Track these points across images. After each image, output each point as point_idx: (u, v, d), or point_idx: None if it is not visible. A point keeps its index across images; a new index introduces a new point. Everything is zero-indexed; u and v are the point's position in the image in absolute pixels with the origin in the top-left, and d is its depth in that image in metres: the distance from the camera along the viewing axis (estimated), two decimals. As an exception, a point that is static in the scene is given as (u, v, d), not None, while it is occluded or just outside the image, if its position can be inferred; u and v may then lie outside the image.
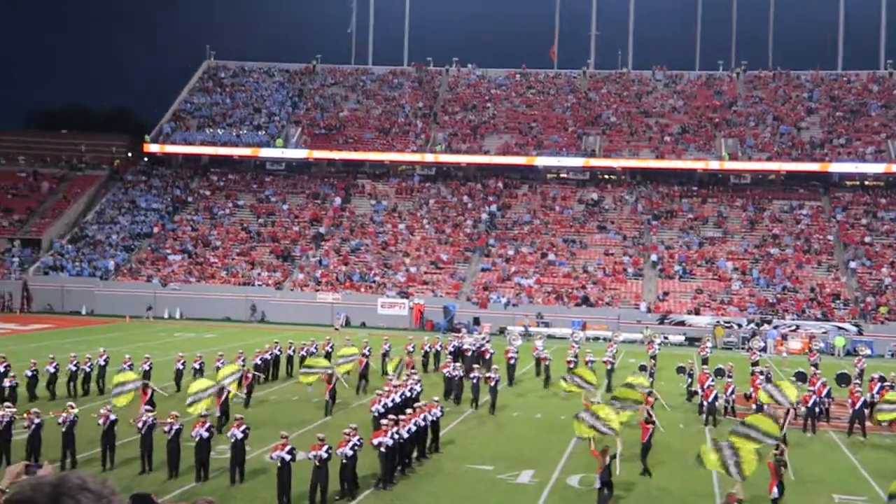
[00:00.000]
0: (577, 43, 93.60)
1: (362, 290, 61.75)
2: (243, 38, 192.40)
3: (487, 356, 36.59)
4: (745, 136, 73.41)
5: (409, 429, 21.15)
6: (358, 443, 19.47)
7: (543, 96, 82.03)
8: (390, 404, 23.82)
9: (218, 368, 29.79)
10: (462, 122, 78.38)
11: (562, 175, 75.33)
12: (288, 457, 18.65)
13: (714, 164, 70.91)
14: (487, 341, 39.82)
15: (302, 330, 53.70)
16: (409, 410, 22.51)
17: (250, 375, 30.12)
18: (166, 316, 60.81)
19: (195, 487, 20.29)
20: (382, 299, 60.24)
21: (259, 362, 33.14)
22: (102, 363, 31.97)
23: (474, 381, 29.91)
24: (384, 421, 20.79)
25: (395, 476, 20.67)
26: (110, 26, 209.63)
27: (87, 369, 31.11)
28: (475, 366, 32.21)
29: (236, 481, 20.39)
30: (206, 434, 20.55)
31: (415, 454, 22.38)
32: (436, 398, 25.53)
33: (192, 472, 20.95)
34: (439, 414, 23.76)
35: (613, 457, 19.34)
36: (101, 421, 21.63)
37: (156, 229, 70.00)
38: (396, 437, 20.38)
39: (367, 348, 35.32)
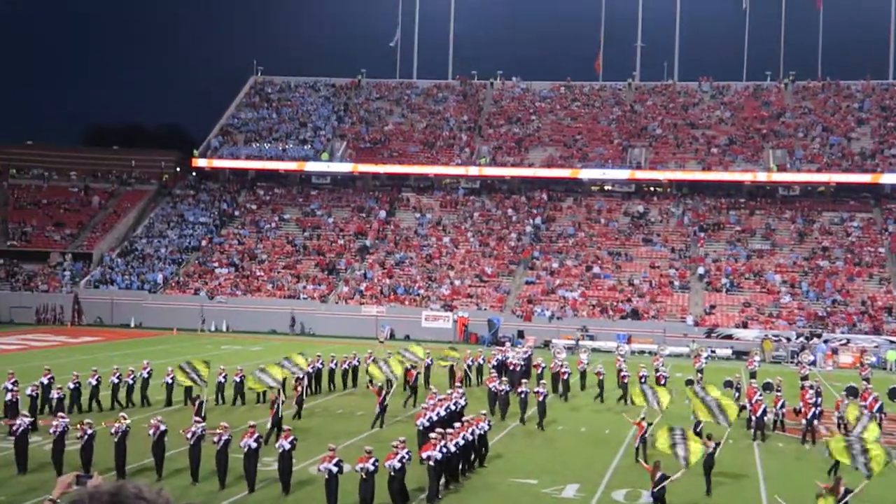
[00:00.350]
0: (623, 55, 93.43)
1: (406, 302, 61.85)
2: (289, 53, 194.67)
3: (539, 370, 36.50)
4: (793, 148, 72.48)
5: (458, 442, 21.02)
6: (407, 455, 19.39)
7: (588, 108, 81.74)
8: (435, 418, 23.75)
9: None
10: (506, 135, 78.35)
11: (607, 187, 74.93)
12: (335, 469, 18.71)
13: (762, 176, 70.07)
14: (529, 354, 39.77)
15: (346, 343, 53.93)
16: (456, 424, 22.34)
17: (299, 389, 30.39)
18: (213, 329, 61.39)
19: (244, 497, 20.50)
20: (426, 312, 60.27)
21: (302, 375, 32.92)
22: (146, 375, 32.17)
23: (522, 395, 29.49)
24: (433, 434, 20.67)
25: (441, 490, 20.55)
26: (161, 45, 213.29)
27: (130, 381, 31.29)
28: (524, 380, 31.63)
29: (283, 492, 20.56)
30: (254, 444, 20.75)
31: (462, 467, 22.26)
32: (483, 412, 25.39)
33: (240, 482, 21.18)
34: (487, 428, 23.59)
35: (666, 476, 19.00)
36: (151, 431, 21.92)
37: (203, 243, 70.80)
38: (445, 450, 20.28)
39: (430, 358, 36.15)
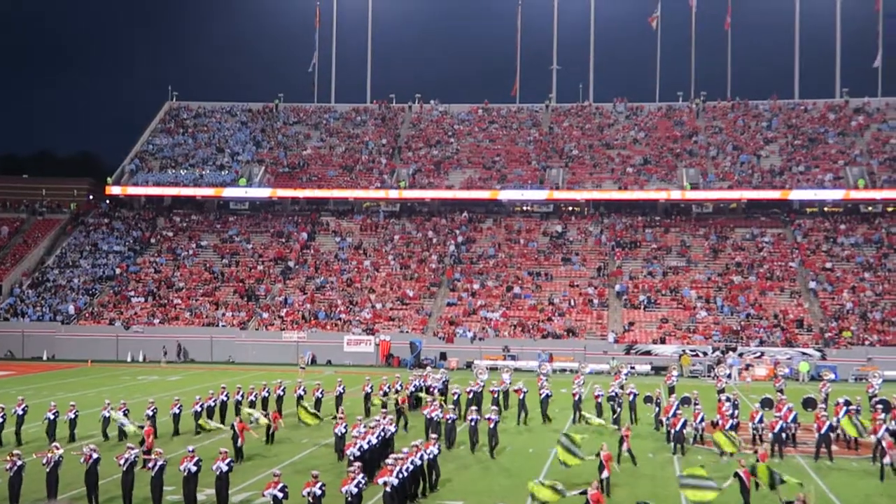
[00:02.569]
0: (539, 77, 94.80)
1: (328, 327, 61.37)
2: (205, 78, 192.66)
3: (455, 395, 35.96)
4: (706, 166, 74.22)
5: (407, 468, 20.73)
6: (363, 481, 19.31)
7: (506, 131, 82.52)
8: (366, 446, 23.34)
9: (176, 414, 30.17)
10: (426, 157, 78.60)
11: (526, 208, 75.64)
12: (280, 495, 18.81)
13: (676, 195, 71.52)
14: (446, 379, 38.88)
15: (268, 370, 53.25)
16: (405, 450, 21.73)
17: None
18: (129, 359, 60.02)
19: None
20: (348, 336, 59.92)
21: (199, 409, 31.10)
22: (21, 412, 30.34)
23: (472, 422, 28.49)
24: (388, 461, 20.49)
25: None
26: (73, 70, 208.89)
27: (20, 413, 30.10)
28: (473, 407, 30.05)
29: None
30: (193, 468, 20.94)
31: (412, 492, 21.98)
32: (434, 436, 24.93)
33: None
34: (436, 452, 23.37)
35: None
36: (82, 460, 21.69)
37: (118, 271, 69.27)
38: (402, 476, 20.12)
39: (342, 386, 35.41)
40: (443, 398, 35.22)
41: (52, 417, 29.55)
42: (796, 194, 70.30)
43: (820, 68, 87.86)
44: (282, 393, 35.44)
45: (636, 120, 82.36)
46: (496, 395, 35.68)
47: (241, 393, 34.20)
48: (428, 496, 22.72)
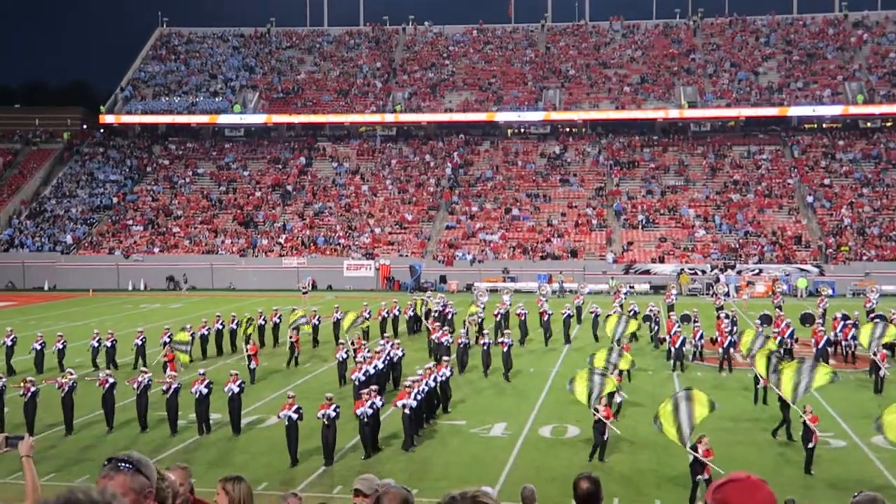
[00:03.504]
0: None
1: (327, 252, 61.51)
2: (195, 3, 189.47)
3: (450, 317, 36.29)
4: (703, 84, 73.60)
5: (423, 389, 20.95)
6: (380, 402, 19.70)
7: (502, 51, 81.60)
8: (372, 371, 23.46)
9: (167, 341, 30.13)
10: (421, 80, 77.85)
11: (523, 130, 75.23)
12: (295, 416, 19.10)
13: (674, 113, 71.07)
14: (445, 303, 38.75)
15: (269, 296, 53.56)
16: (420, 371, 21.96)
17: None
18: (130, 288, 60.30)
19: (198, 440, 21.34)
20: (348, 261, 60.08)
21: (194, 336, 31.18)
22: (10, 343, 30.84)
23: (484, 347, 28.50)
24: (406, 382, 20.70)
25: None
26: (61, 0, 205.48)
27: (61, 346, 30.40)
28: (484, 331, 30.12)
29: (233, 434, 21.58)
30: (205, 391, 21.55)
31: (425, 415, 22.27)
32: (446, 358, 25.16)
33: (190, 428, 22.07)
34: (448, 374, 23.60)
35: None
36: (98, 384, 22.39)
37: (115, 201, 69.17)
38: (420, 397, 20.34)
39: (339, 312, 35.39)
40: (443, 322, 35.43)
41: (60, 347, 29.96)
42: (794, 111, 69.89)
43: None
44: (278, 321, 35.38)
45: (633, 38, 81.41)
46: (498, 318, 35.94)
47: (235, 321, 34.04)
48: (441, 417, 23.04)
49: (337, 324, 34.96)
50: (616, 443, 19.87)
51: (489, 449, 20.38)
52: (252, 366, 27.88)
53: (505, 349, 27.72)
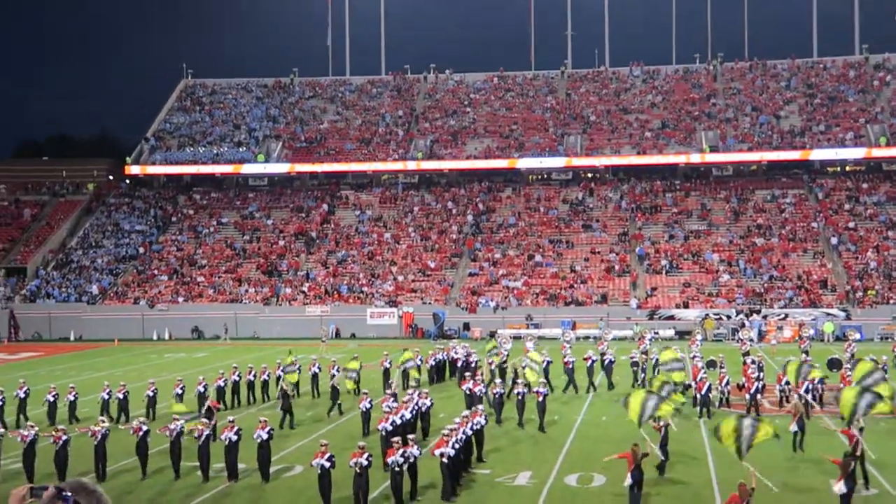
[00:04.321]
0: (554, 43, 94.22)
1: (351, 301, 61.62)
2: (219, 55, 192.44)
3: (473, 365, 35.85)
4: (724, 128, 73.66)
5: (460, 438, 20.78)
6: (417, 453, 19.61)
7: (523, 98, 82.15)
8: (399, 421, 23.16)
9: (179, 394, 30.12)
10: (442, 128, 78.42)
11: (544, 176, 75.45)
12: (328, 464, 19.16)
13: (695, 158, 71.08)
14: (468, 352, 37.84)
15: (293, 345, 53.54)
16: (456, 420, 21.76)
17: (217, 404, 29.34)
18: (155, 338, 60.56)
19: (229, 486, 21.63)
20: (371, 309, 60.14)
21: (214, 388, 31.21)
22: (23, 395, 30.64)
23: (519, 396, 27.82)
24: (444, 431, 20.50)
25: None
26: (89, 52, 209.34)
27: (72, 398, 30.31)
28: (519, 380, 29.39)
29: (262, 481, 21.72)
30: (234, 437, 21.82)
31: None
32: (480, 406, 24.99)
33: (221, 475, 22.24)
34: (484, 423, 23.46)
35: (645, 454, 19.18)
36: (132, 432, 22.77)
37: (141, 250, 69.78)
38: (457, 446, 20.20)
39: (336, 367, 34.73)
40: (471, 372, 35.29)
41: (105, 397, 29.92)
42: (817, 154, 69.71)
43: (838, 25, 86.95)
44: (297, 370, 33.92)
45: (653, 84, 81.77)
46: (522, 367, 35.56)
47: (252, 373, 33.39)
48: (476, 466, 22.83)
49: (387, 372, 34.65)
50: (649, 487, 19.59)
51: (514, 498, 20.20)
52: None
53: (540, 399, 27.14)
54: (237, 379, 32.78)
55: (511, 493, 20.60)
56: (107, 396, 30.12)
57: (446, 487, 19.86)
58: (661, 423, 21.77)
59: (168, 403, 30.54)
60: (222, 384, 31.94)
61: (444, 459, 19.64)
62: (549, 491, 20.68)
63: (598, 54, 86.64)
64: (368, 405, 26.59)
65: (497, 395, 28.40)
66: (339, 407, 30.36)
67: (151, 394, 30.05)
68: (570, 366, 34.83)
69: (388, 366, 35.08)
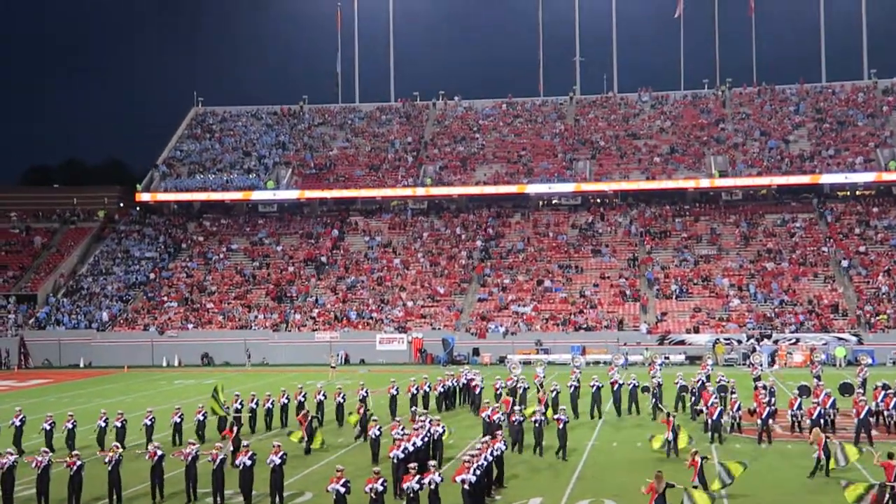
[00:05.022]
0: (563, 70, 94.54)
1: (360, 326, 61.56)
2: (230, 83, 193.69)
3: (478, 391, 35.74)
4: (734, 153, 73.64)
5: (481, 464, 20.51)
6: (439, 478, 19.29)
7: (531, 124, 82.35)
8: (411, 448, 22.83)
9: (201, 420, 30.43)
10: (451, 154, 78.61)
11: (553, 201, 75.50)
12: (343, 489, 19.21)
13: (705, 183, 71.04)
14: (473, 377, 37.52)
15: (302, 370, 53.54)
16: (478, 446, 21.67)
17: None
18: (164, 364, 60.55)
19: None
20: (380, 335, 60.08)
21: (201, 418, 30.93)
22: (19, 423, 29.99)
23: (536, 424, 27.33)
24: (464, 457, 20.28)
25: None
26: (100, 80, 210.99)
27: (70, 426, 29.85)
28: (538, 408, 28.82)
29: None
30: (248, 462, 21.91)
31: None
32: (499, 432, 24.77)
33: (234, 499, 22.31)
34: (503, 448, 23.26)
35: (670, 485, 18.87)
36: (147, 457, 22.78)
37: (151, 276, 69.94)
38: (479, 472, 19.93)
39: (364, 390, 34.61)
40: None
41: (102, 425, 29.48)
42: (827, 178, 69.61)
43: (847, 50, 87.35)
44: (303, 399, 33.71)
45: (662, 109, 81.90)
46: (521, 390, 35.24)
47: (255, 401, 32.79)
48: (496, 491, 22.61)
49: (364, 401, 33.17)
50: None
51: (525, 525, 20.02)
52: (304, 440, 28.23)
53: (560, 426, 26.62)
54: (239, 406, 32.22)
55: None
56: (103, 424, 29.52)
57: None
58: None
59: (167, 433, 30.36)
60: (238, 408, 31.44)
61: (466, 486, 19.48)
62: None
63: (607, 80, 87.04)
64: (378, 432, 26.38)
65: (516, 423, 27.72)
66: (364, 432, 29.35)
67: (149, 422, 29.61)
68: (617, 387, 34.57)
69: (395, 392, 34.61)
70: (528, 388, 35.84)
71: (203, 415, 30.74)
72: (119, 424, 29.13)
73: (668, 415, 27.43)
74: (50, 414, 30.68)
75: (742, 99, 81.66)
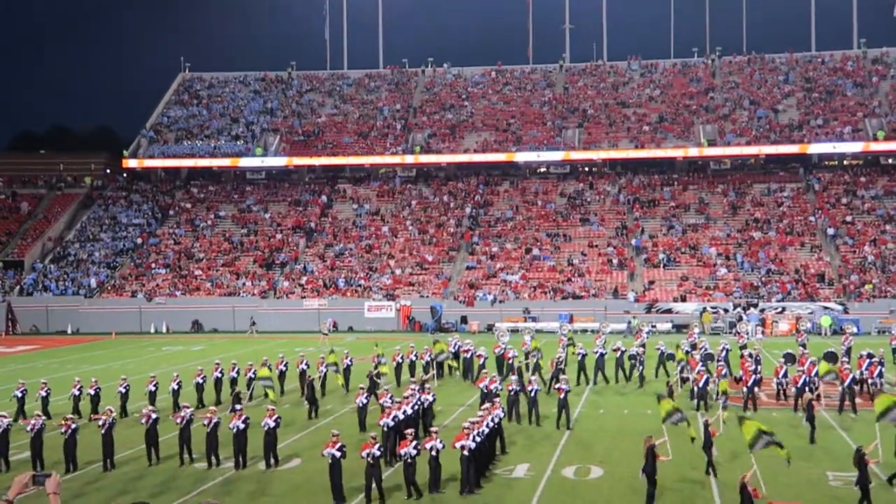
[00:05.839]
0: (552, 37, 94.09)
1: (348, 294, 61.63)
2: (217, 48, 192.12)
3: (469, 356, 35.89)
4: (722, 122, 73.62)
5: (482, 431, 20.64)
6: (440, 445, 19.67)
7: (520, 92, 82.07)
8: (401, 416, 22.92)
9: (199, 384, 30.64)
10: (440, 121, 78.34)
11: (542, 170, 75.44)
12: (338, 454, 19.33)
13: (693, 152, 71.05)
14: (458, 346, 37.28)
15: (290, 338, 53.67)
16: (479, 412, 21.90)
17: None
18: (153, 331, 60.54)
19: (236, 474, 22.06)
20: (369, 303, 60.15)
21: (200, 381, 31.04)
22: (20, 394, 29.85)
23: (532, 393, 26.92)
24: (465, 424, 20.26)
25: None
26: (87, 46, 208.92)
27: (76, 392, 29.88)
28: (532, 378, 28.62)
29: (271, 465, 22.48)
30: (242, 426, 22.29)
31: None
32: (497, 399, 24.75)
33: (227, 462, 22.75)
34: (501, 415, 23.36)
35: (654, 454, 18.91)
36: (143, 420, 23.24)
37: (139, 242, 69.75)
38: (478, 439, 20.07)
39: (349, 358, 34.45)
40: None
41: (76, 394, 29.41)
42: (815, 148, 69.69)
43: (836, 19, 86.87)
44: (284, 368, 33.89)
45: (651, 77, 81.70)
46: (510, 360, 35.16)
47: (236, 369, 32.82)
48: (500, 458, 22.77)
49: (347, 370, 33.61)
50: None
51: (511, 490, 20.22)
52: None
53: (562, 396, 26.28)
54: (220, 375, 32.08)
55: (509, 486, 20.61)
56: (77, 393, 29.45)
57: (466, 480, 19.80)
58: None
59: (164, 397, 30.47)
60: (200, 381, 31.14)
61: (465, 452, 19.64)
62: (547, 483, 20.70)
63: (597, 48, 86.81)
64: (365, 400, 26.44)
65: (512, 393, 27.35)
66: (315, 410, 29.31)
67: (153, 388, 29.76)
68: (599, 356, 34.69)
69: (380, 362, 34.21)
70: (542, 357, 35.08)
71: (202, 378, 30.86)
72: (92, 392, 29.16)
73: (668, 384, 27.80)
74: (22, 381, 30.59)
75: (731, 68, 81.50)
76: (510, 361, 34.16)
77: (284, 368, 33.81)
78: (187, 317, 61.21)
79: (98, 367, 42.12)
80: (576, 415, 28.41)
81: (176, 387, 30.26)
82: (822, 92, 75.41)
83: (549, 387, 30.92)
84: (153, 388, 29.84)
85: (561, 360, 32.77)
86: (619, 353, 35.69)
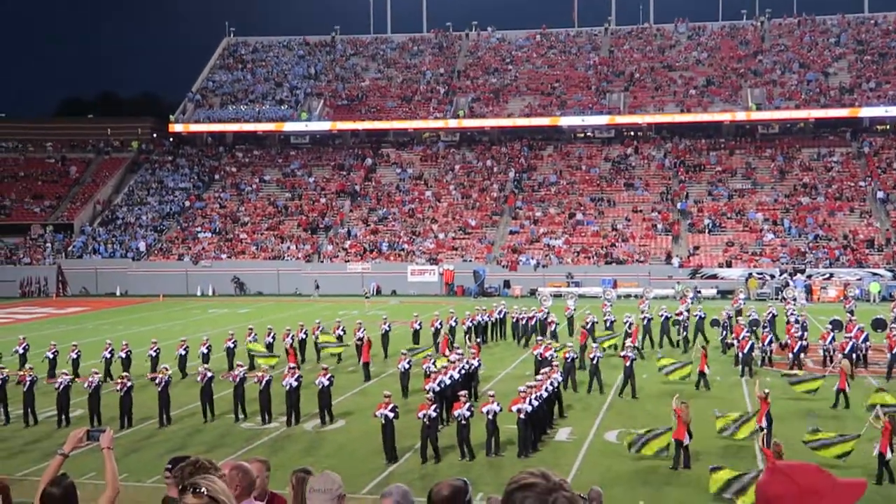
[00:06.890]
0: (597, 0, 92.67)
1: (391, 258, 61.88)
2: (262, 13, 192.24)
3: (553, 327, 35.15)
4: (771, 86, 72.39)
5: (540, 395, 20.73)
6: (497, 408, 19.86)
7: (565, 56, 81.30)
8: (448, 381, 22.97)
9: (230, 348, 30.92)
10: (484, 86, 77.92)
11: (586, 134, 74.86)
12: (391, 415, 19.54)
13: (741, 116, 70.03)
14: (504, 311, 37.99)
15: (334, 301, 54.09)
16: (539, 376, 22.11)
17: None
18: (199, 294, 61.32)
19: (286, 431, 22.69)
20: (412, 266, 60.34)
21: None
22: (22, 351, 30.89)
23: (594, 360, 26.68)
24: (521, 388, 20.36)
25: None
26: (133, 11, 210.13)
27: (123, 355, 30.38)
28: (594, 344, 28.72)
29: (326, 422, 23.11)
30: (294, 383, 22.90)
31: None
32: (556, 363, 24.75)
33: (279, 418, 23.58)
34: (559, 380, 23.48)
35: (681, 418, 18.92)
36: (199, 378, 24.24)
37: (187, 205, 70.54)
38: (536, 403, 20.16)
39: (387, 324, 34.59)
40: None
41: (108, 356, 29.98)
42: (866, 111, 68.32)
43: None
44: (342, 332, 34.10)
45: (698, 40, 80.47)
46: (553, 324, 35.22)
47: (272, 334, 32.92)
48: (557, 422, 22.87)
49: (385, 335, 33.91)
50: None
51: (555, 453, 20.33)
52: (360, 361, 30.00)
53: (628, 363, 25.97)
54: (304, 336, 33.04)
55: (552, 449, 20.72)
56: (108, 356, 30.04)
57: (524, 444, 19.89)
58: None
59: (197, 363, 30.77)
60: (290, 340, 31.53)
61: (522, 415, 19.73)
62: (589, 446, 20.78)
63: (643, 10, 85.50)
64: (407, 366, 26.52)
65: (568, 360, 26.94)
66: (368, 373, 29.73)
67: (183, 352, 30.31)
68: (610, 324, 34.71)
69: (417, 327, 34.50)
70: (597, 322, 35.03)
71: (234, 342, 31.21)
72: (123, 355, 29.60)
73: (703, 348, 27.67)
74: (53, 342, 31.23)
75: (781, 30, 79.98)
76: (553, 328, 34.35)
77: (342, 333, 34.06)
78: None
79: (147, 328, 42.83)
80: (618, 380, 28.37)
81: (206, 350, 30.64)
82: (874, 54, 73.80)
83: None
84: (202, 350, 30.43)
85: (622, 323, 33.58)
86: (663, 318, 35.57)
